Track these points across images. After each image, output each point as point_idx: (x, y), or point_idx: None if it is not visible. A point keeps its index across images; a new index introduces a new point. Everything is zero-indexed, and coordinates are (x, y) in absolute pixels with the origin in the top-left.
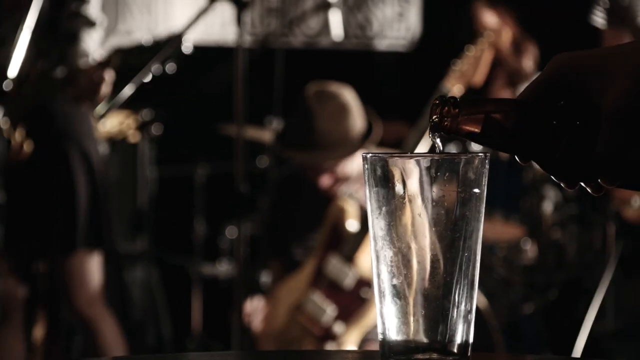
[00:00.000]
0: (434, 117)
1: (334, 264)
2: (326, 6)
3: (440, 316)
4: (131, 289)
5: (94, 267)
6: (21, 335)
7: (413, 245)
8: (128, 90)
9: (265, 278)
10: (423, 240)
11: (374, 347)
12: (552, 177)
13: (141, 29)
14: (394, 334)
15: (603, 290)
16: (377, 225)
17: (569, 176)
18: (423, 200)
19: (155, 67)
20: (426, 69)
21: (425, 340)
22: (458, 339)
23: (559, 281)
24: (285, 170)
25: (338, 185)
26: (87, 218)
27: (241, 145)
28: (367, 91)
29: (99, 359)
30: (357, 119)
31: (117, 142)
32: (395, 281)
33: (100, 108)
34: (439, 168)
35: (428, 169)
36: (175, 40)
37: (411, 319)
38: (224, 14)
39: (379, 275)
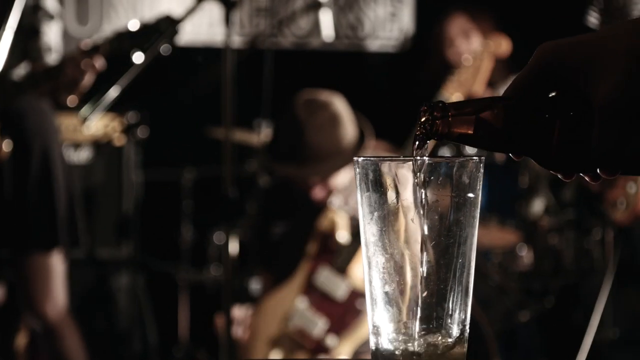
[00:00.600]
0: (424, 124)
1: (326, 276)
2: (316, 6)
3: (434, 324)
4: (116, 296)
5: (52, 269)
6: None
7: (406, 252)
8: (113, 92)
9: (254, 285)
10: (416, 246)
11: (368, 358)
12: (548, 170)
13: None
14: (386, 342)
15: (604, 298)
16: (369, 230)
17: (565, 169)
18: (416, 205)
19: (148, 51)
20: (419, 71)
21: (418, 348)
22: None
23: (556, 288)
24: (275, 177)
25: (331, 197)
26: (42, 218)
27: (229, 149)
28: (359, 93)
29: None
30: (349, 129)
31: (102, 146)
32: (387, 288)
33: (85, 110)
34: (433, 172)
35: (421, 173)
36: (165, 22)
37: (404, 326)
38: (212, 13)
39: (370, 282)
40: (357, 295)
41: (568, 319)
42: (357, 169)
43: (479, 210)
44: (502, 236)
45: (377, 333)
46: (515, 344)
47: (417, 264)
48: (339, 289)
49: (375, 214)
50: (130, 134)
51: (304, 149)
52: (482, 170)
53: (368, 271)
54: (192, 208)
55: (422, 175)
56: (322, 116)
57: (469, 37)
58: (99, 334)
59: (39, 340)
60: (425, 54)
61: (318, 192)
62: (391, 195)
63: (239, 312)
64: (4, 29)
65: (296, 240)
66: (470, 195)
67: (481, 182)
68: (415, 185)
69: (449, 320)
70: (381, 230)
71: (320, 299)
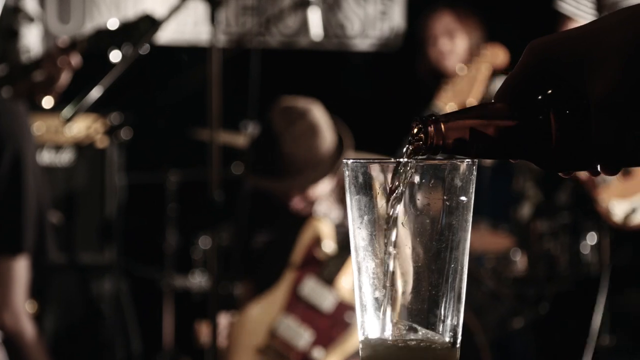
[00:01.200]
0: (417, 139)
1: (311, 287)
2: (305, 4)
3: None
4: (99, 302)
5: (14, 276)
6: None
7: (396, 257)
8: (95, 93)
9: (239, 291)
10: (407, 251)
11: None
12: (549, 171)
13: None
14: (377, 350)
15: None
16: (358, 235)
17: (566, 168)
18: (407, 208)
19: (125, 49)
20: (410, 71)
21: (409, 355)
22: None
23: (551, 294)
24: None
25: (311, 207)
26: (8, 222)
27: (215, 151)
28: (348, 94)
29: None
30: (327, 138)
31: (84, 148)
32: (377, 294)
33: (66, 111)
34: (424, 175)
35: (412, 175)
36: (145, 21)
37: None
38: (197, 12)
39: (360, 288)
40: (345, 307)
41: (563, 325)
42: (347, 172)
43: (471, 214)
44: (495, 241)
45: (366, 340)
46: (509, 352)
47: (408, 269)
48: (326, 301)
49: (365, 217)
50: (113, 136)
51: (282, 162)
52: (474, 173)
53: (358, 276)
54: (176, 212)
55: (413, 178)
56: (300, 126)
57: (453, 38)
58: (81, 342)
59: None
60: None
61: (298, 203)
62: (381, 198)
63: (223, 319)
64: None
65: (279, 249)
66: (463, 198)
67: (474, 185)
68: (406, 188)
69: (441, 327)
70: (371, 235)
71: (306, 311)
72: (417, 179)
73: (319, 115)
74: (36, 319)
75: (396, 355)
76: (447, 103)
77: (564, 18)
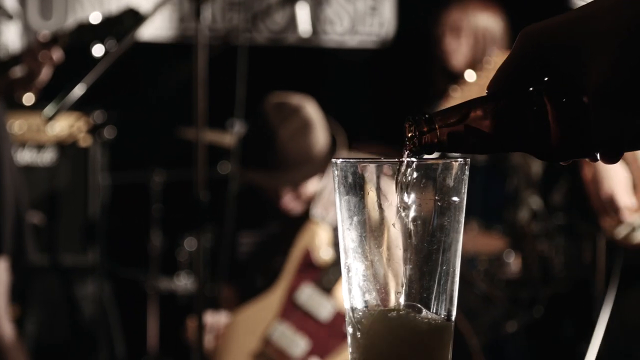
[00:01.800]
0: (411, 140)
1: (309, 294)
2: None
3: None
4: (82, 304)
5: None
6: None
7: (387, 258)
8: (78, 91)
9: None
10: (398, 253)
11: None
12: (548, 161)
13: None
14: (368, 355)
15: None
16: (347, 236)
17: (565, 158)
18: (398, 209)
19: (109, 44)
20: (401, 68)
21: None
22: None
23: (545, 297)
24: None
25: (302, 206)
26: None
27: (201, 150)
28: (337, 92)
29: None
30: (320, 135)
31: (66, 147)
32: (367, 297)
33: (48, 109)
34: (415, 175)
35: (403, 175)
36: (129, 15)
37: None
38: (183, 7)
39: (350, 291)
40: (343, 317)
41: (558, 329)
42: (336, 171)
43: (463, 215)
44: (488, 242)
45: (357, 343)
46: (502, 356)
47: (398, 272)
48: (324, 309)
49: (355, 218)
50: (96, 135)
51: (275, 157)
52: (467, 173)
53: (347, 279)
54: (161, 212)
55: (404, 178)
56: (294, 122)
57: (460, 38)
58: (63, 345)
59: None
60: (408, 50)
61: (288, 202)
62: (371, 199)
63: (211, 318)
64: None
65: (269, 252)
66: (455, 199)
67: (466, 185)
68: (396, 188)
69: None
70: (361, 236)
71: (302, 318)
72: (408, 179)
73: (313, 111)
74: (17, 321)
75: (388, 357)
76: None
77: None
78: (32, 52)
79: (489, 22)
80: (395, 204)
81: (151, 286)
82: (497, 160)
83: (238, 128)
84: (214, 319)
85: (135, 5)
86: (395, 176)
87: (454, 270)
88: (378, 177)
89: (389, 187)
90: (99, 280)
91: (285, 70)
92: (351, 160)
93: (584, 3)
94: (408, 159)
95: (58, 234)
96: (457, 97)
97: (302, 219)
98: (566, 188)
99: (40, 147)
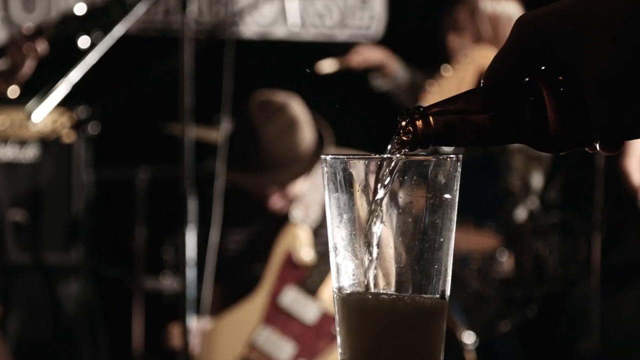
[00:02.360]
0: (405, 133)
1: (293, 297)
2: None
3: None
4: (65, 304)
5: None
6: None
7: (377, 257)
8: (63, 87)
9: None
10: (388, 251)
11: None
12: (546, 152)
13: None
14: (358, 356)
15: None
16: (337, 234)
17: (564, 148)
18: (388, 207)
19: (95, 36)
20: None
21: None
22: None
23: (539, 296)
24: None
25: (290, 206)
26: None
27: (187, 146)
28: (326, 87)
29: None
30: (307, 133)
31: (49, 143)
32: (357, 296)
33: (31, 105)
34: (406, 171)
35: (395, 172)
36: (114, 6)
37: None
38: (169, 0)
39: (340, 290)
40: (330, 318)
41: (552, 329)
42: (325, 168)
43: (456, 213)
44: (481, 240)
45: (346, 345)
46: (496, 357)
47: (389, 270)
48: (309, 312)
49: (345, 216)
50: (80, 130)
51: (261, 157)
52: (459, 170)
53: (337, 278)
54: (147, 210)
55: (395, 175)
56: (279, 121)
57: (463, 37)
58: (46, 345)
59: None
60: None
61: (276, 201)
62: (361, 196)
63: (196, 323)
64: None
65: (255, 252)
66: (447, 196)
67: (458, 182)
68: (387, 185)
69: None
70: (350, 234)
71: (287, 322)
72: (399, 175)
73: (298, 109)
74: (0, 321)
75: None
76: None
77: None
78: (16, 44)
79: (509, 7)
80: (386, 202)
81: (136, 285)
82: (490, 157)
83: (225, 123)
84: (199, 324)
85: None
86: (384, 172)
87: (446, 269)
88: (368, 174)
89: (380, 184)
90: (83, 279)
91: (273, 65)
92: (341, 157)
93: None
94: (399, 155)
95: (41, 232)
96: (434, 91)
97: (282, 221)
98: (560, 186)
99: (22, 143)
